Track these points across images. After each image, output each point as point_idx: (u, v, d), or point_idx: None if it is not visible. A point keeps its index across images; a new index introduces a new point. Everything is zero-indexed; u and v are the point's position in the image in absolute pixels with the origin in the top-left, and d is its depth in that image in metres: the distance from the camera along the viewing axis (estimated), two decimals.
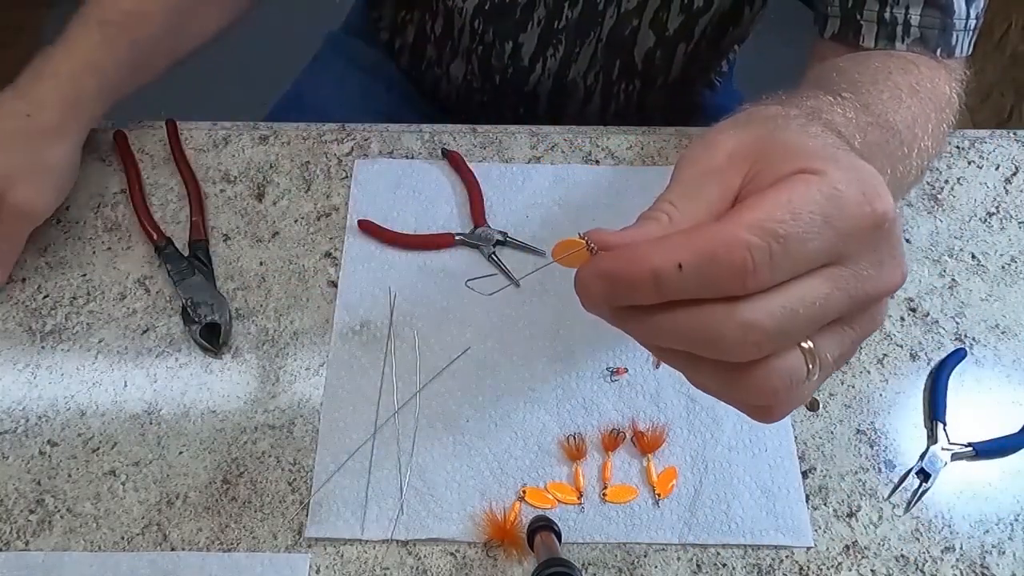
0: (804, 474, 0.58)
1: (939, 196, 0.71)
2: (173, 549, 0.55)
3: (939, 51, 0.61)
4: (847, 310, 0.33)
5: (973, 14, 0.62)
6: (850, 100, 0.49)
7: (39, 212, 0.63)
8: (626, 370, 0.61)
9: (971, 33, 0.63)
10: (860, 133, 0.46)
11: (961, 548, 0.56)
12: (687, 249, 0.31)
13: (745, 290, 0.31)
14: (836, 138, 0.38)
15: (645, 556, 0.55)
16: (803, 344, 0.33)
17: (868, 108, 0.51)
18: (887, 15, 0.61)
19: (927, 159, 0.57)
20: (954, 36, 0.61)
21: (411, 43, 0.91)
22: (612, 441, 0.58)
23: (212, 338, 0.61)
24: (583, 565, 0.55)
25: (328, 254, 0.67)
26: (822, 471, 0.58)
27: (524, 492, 0.57)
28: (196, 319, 0.62)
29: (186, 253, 0.66)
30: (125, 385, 0.61)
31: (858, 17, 0.62)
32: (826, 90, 0.51)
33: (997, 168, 0.73)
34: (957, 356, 0.62)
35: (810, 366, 0.33)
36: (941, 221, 0.70)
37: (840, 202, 0.31)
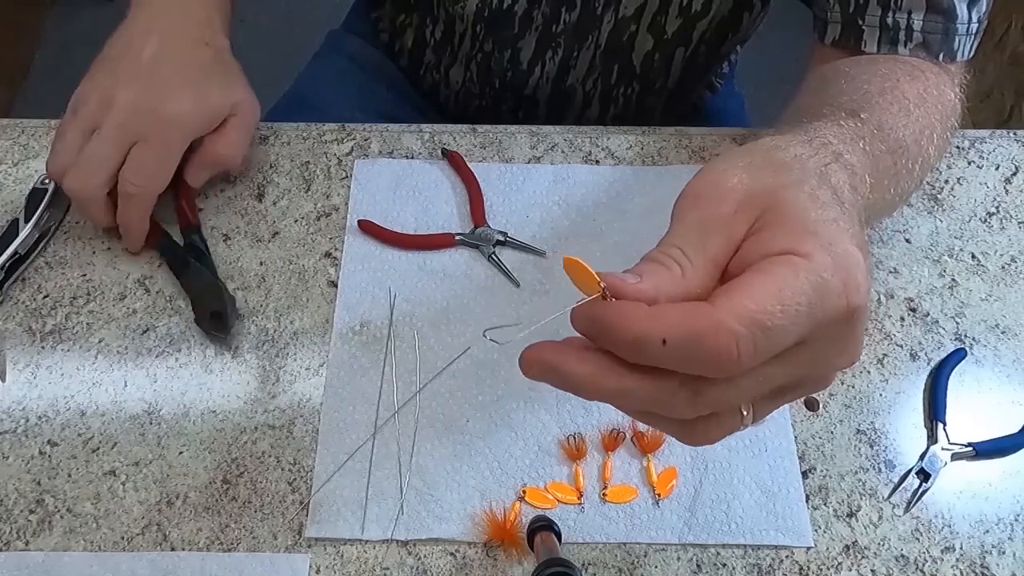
0: (804, 474, 0.58)
1: (939, 196, 0.71)
2: (173, 549, 0.55)
3: (941, 56, 0.61)
4: (796, 384, 0.36)
5: (975, 18, 0.61)
6: (867, 123, 0.50)
7: (258, 115, 0.69)
8: None
9: (973, 38, 0.62)
10: (873, 166, 0.47)
11: (961, 548, 0.56)
12: (677, 328, 0.32)
13: (724, 374, 0.32)
14: (839, 210, 0.38)
15: (645, 556, 0.55)
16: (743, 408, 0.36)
17: (882, 128, 0.52)
18: (889, 20, 0.61)
19: (930, 167, 0.58)
20: (956, 41, 0.61)
21: (410, 47, 0.91)
22: (612, 441, 0.58)
23: (219, 326, 0.61)
24: (583, 565, 0.55)
25: (328, 254, 0.67)
26: (822, 471, 0.58)
27: (524, 492, 0.57)
28: (201, 308, 0.62)
29: (182, 243, 0.66)
30: (125, 385, 0.61)
31: (860, 22, 0.62)
32: (845, 110, 0.51)
33: (997, 168, 0.73)
34: (957, 356, 0.62)
35: (747, 422, 0.36)
36: (941, 221, 0.70)
37: (824, 290, 0.32)
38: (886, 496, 0.57)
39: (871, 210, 0.48)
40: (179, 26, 0.65)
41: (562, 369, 0.35)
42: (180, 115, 0.62)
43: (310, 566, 0.54)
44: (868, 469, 0.58)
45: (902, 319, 0.65)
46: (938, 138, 0.57)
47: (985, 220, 0.70)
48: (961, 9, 0.60)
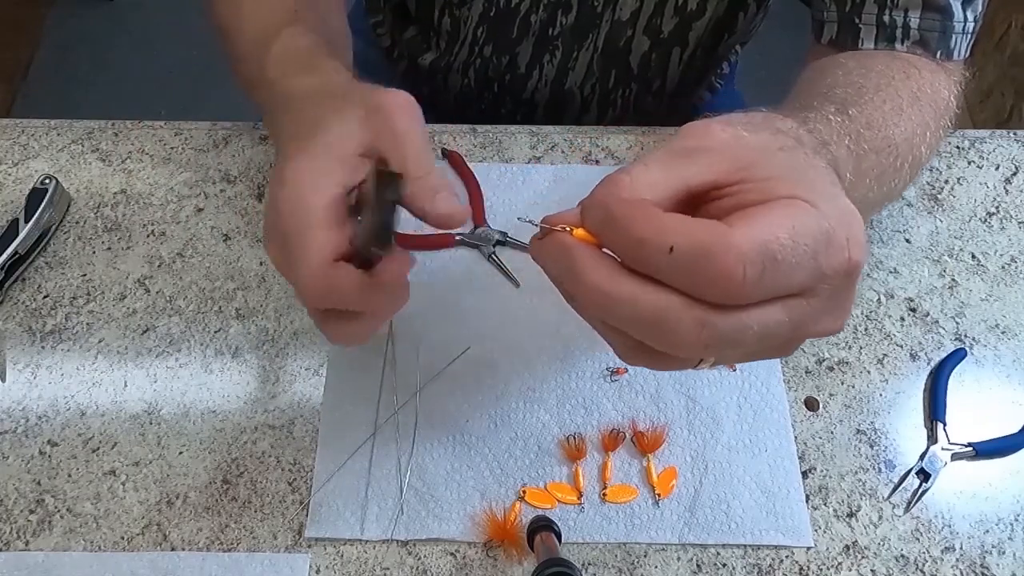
0: (804, 474, 0.58)
1: (939, 196, 0.71)
2: (173, 549, 0.55)
3: (939, 54, 0.61)
4: (777, 339, 0.34)
5: (971, 17, 0.62)
6: (855, 120, 0.50)
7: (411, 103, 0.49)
8: (626, 370, 0.61)
9: (969, 36, 0.62)
10: (855, 165, 0.47)
11: (961, 548, 0.56)
12: (688, 237, 0.31)
13: (726, 298, 0.31)
14: (835, 176, 0.38)
15: (645, 556, 0.55)
16: None
17: (871, 126, 0.52)
18: (886, 18, 0.61)
19: (920, 167, 0.59)
20: (953, 39, 0.61)
21: (409, 51, 0.91)
22: (612, 441, 0.58)
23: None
24: (583, 565, 0.55)
25: None
26: (822, 471, 0.58)
27: (524, 492, 0.57)
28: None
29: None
30: (125, 385, 0.61)
31: (856, 20, 0.62)
32: (836, 104, 0.51)
33: (997, 168, 0.73)
34: (957, 356, 0.62)
35: (711, 364, 0.35)
36: (941, 221, 0.70)
37: (828, 238, 0.32)
38: (886, 496, 0.57)
39: None
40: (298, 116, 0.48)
41: (576, 256, 0.33)
42: (297, 174, 0.43)
43: (310, 566, 0.54)
44: (868, 469, 0.58)
45: (902, 319, 0.65)
46: (931, 136, 0.57)
47: (985, 220, 0.70)
48: (956, 7, 0.61)
